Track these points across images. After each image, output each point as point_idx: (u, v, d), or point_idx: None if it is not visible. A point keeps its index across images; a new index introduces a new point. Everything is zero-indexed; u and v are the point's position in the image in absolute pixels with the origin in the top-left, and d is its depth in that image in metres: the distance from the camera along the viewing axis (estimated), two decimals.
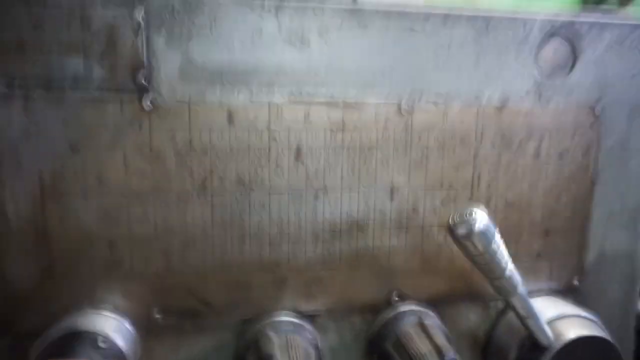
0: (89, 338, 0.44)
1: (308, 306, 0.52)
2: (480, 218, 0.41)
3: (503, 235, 0.46)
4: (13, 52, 0.43)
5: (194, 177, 0.47)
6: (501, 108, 0.53)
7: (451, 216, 0.42)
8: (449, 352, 0.46)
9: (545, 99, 0.54)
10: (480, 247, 0.41)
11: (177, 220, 0.48)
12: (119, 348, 0.46)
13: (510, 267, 0.44)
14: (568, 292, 0.59)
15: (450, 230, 0.41)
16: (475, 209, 0.41)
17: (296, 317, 0.51)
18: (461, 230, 0.41)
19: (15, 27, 0.42)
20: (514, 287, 0.45)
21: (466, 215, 0.41)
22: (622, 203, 0.59)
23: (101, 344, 0.44)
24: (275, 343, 0.47)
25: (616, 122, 0.57)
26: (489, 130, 0.53)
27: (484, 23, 0.51)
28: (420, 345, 0.48)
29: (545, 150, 0.55)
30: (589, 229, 0.58)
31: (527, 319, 0.48)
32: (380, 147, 0.51)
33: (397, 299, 0.53)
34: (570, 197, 0.57)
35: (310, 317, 0.52)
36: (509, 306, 0.47)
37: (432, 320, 0.53)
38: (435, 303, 0.55)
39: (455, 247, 0.54)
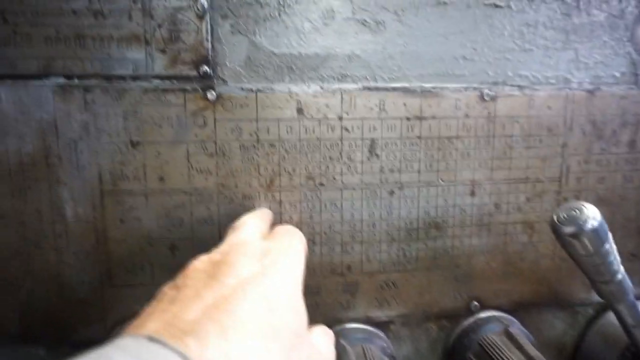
0: None
1: (381, 313, 0.48)
2: (593, 214, 0.36)
3: None
4: (72, 42, 0.40)
5: (260, 173, 0.44)
6: (593, 92, 0.48)
7: (555, 212, 0.37)
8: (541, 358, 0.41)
9: None
10: (591, 247, 0.36)
11: None
12: None
13: (622, 270, 0.39)
14: None
15: (555, 227, 0.37)
16: (585, 204, 0.36)
17: (369, 324, 0.47)
18: (569, 228, 0.36)
19: (75, 16, 0.40)
20: (625, 293, 0.40)
21: (575, 211, 0.36)
22: None
23: None
24: (351, 353, 0.43)
25: None
26: (579, 117, 0.48)
27: None
28: (510, 355, 0.43)
29: None
30: None
31: (635, 328, 0.42)
32: (461, 138, 0.46)
33: (477, 304, 0.49)
34: None
35: (384, 325, 0.48)
36: (614, 313, 0.42)
37: (517, 328, 0.48)
38: (518, 309, 0.50)
39: (540, 248, 0.49)
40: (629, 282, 0.40)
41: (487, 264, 0.49)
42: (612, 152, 0.49)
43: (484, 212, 0.48)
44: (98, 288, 0.44)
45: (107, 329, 0.44)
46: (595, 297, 0.51)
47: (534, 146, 0.48)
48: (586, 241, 0.36)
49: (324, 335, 0.33)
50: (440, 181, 0.46)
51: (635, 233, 0.51)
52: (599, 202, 0.50)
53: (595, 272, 0.38)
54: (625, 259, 0.52)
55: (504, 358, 0.43)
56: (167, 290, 0.29)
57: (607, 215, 0.50)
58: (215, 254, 0.32)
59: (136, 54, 0.41)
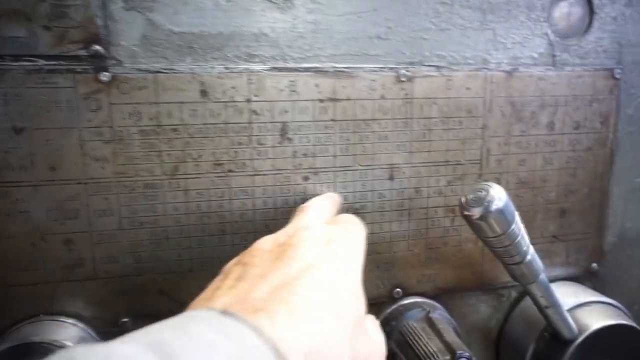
0: (43, 350, 0.38)
1: None
2: (498, 195, 0.35)
3: None
4: None
5: (163, 160, 0.41)
6: (511, 73, 0.47)
7: (464, 194, 0.36)
8: (462, 349, 0.41)
9: (560, 62, 0.48)
10: (498, 228, 0.35)
11: (146, 212, 0.41)
12: None
13: (531, 251, 0.38)
14: (586, 278, 0.54)
15: (462, 210, 0.36)
16: (491, 185, 0.35)
17: None
18: (475, 211, 0.35)
19: None
20: (535, 273, 0.39)
21: (481, 193, 0.35)
22: None
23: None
24: None
25: (638, 87, 0.51)
26: (498, 99, 0.47)
27: None
28: (429, 343, 0.42)
29: (561, 121, 0.49)
30: (608, 208, 0.53)
31: (547, 309, 0.42)
32: (377, 120, 0.44)
33: (399, 291, 0.48)
34: (587, 173, 0.51)
35: None
36: (528, 294, 0.42)
37: (439, 313, 0.47)
38: (442, 295, 0.49)
39: (463, 232, 0.49)
40: (539, 263, 0.40)
41: (408, 250, 0.48)
42: (532, 134, 0.49)
43: (404, 196, 0.47)
44: None
45: (4, 332, 0.40)
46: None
47: (453, 128, 0.47)
48: (493, 222, 0.35)
49: (375, 324, 0.33)
50: (358, 165, 0.45)
51: (557, 215, 0.51)
52: (520, 185, 0.49)
53: (505, 254, 0.38)
54: (547, 240, 0.52)
55: (423, 346, 0.42)
56: (233, 266, 0.30)
57: (529, 198, 0.50)
58: (280, 236, 0.33)
59: (16, 31, 0.37)
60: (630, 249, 0.55)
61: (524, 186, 0.50)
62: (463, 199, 0.36)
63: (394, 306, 0.48)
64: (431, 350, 0.41)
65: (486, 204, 0.35)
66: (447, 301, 0.50)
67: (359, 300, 0.30)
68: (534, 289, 0.41)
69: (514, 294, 0.52)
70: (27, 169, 0.39)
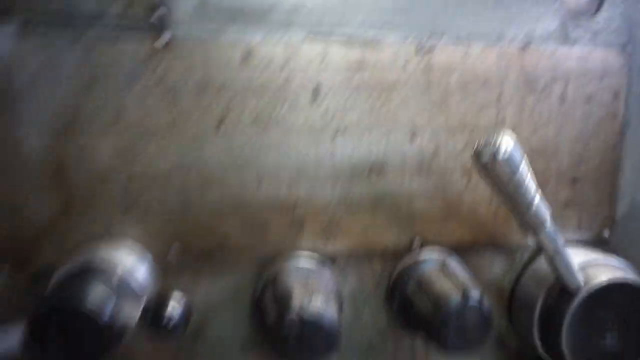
0: (105, 273, 0.44)
1: (327, 249, 0.51)
2: (506, 144, 0.39)
3: None
4: None
5: (210, 115, 0.47)
6: (524, 48, 0.51)
7: (477, 142, 0.40)
8: (473, 288, 0.45)
9: (571, 39, 0.52)
10: (504, 176, 0.39)
11: (194, 159, 0.48)
12: (136, 285, 0.46)
13: (538, 200, 0.42)
14: (597, 244, 0.56)
15: (475, 157, 0.40)
16: (502, 134, 0.40)
17: (315, 259, 0.51)
18: (484, 157, 0.39)
19: None
20: (542, 222, 0.43)
21: (492, 139, 0.39)
22: None
23: (116, 280, 0.44)
24: (294, 279, 0.46)
25: None
26: (512, 72, 0.51)
27: None
28: (443, 284, 0.46)
29: (572, 94, 0.53)
30: (619, 178, 0.56)
31: (555, 258, 0.46)
32: (400, 88, 0.50)
33: (419, 243, 0.52)
34: (599, 144, 0.54)
35: (330, 261, 0.51)
36: (536, 243, 0.45)
37: (455, 261, 0.51)
38: (458, 251, 0.53)
39: (478, 193, 0.53)
40: (546, 211, 0.43)
41: (427, 206, 0.52)
42: (545, 105, 0.53)
43: (424, 157, 0.51)
44: (57, 218, 0.47)
45: (64, 258, 0.47)
46: (529, 240, 0.55)
47: (470, 96, 0.51)
48: (501, 168, 0.39)
49: None
50: (382, 126, 0.50)
51: (568, 183, 0.55)
52: (532, 153, 0.53)
53: (513, 202, 0.41)
54: (559, 207, 0.55)
55: (437, 287, 0.46)
56: None
57: (541, 166, 0.54)
58: None
59: (90, 1, 0.44)
60: None
61: (537, 154, 0.53)
62: (476, 145, 0.40)
63: (413, 256, 0.52)
64: (444, 290, 0.46)
65: (496, 148, 0.39)
66: (464, 256, 0.53)
67: None
68: (543, 235, 0.44)
69: (525, 255, 0.55)
70: (97, 118, 0.46)
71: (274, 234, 0.50)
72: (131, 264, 0.47)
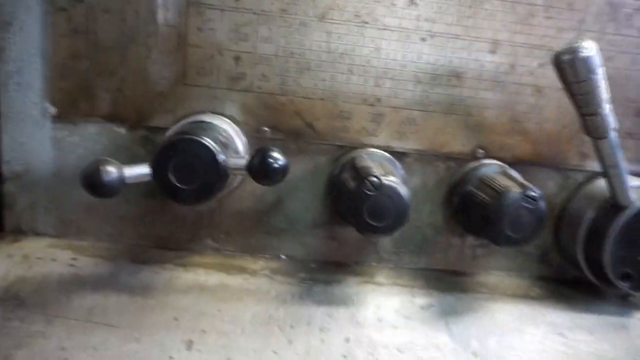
0: (212, 128, 0.51)
1: (400, 144, 0.57)
2: (588, 47, 0.43)
3: None
4: None
5: (316, 5, 0.53)
6: None
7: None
8: (533, 187, 0.49)
9: None
10: (581, 74, 0.44)
11: (297, 44, 0.53)
12: (237, 148, 0.53)
13: (608, 107, 0.46)
14: None
15: (555, 56, 0.44)
16: (585, 40, 0.44)
17: (389, 152, 0.57)
18: (566, 55, 0.43)
19: None
20: (607, 128, 0.47)
21: (575, 43, 0.43)
22: None
23: (220, 135, 0.51)
24: (370, 161, 0.52)
25: None
26: None
27: None
28: (505, 181, 0.52)
29: None
30: None
31: (611, 169, 0.50)
32: (489, 1, 0.53)
33: (482, 151, 0.57)
34: None
35: (401, 156, 0.57)
36: (596, 152, 0.49)
37: (514, 172, 0.56)
38: (517, 164, 0.58)
39: (545, 112, 0.57)
40: (611, 120, 0.47)
41: (496, 118, 0.57)
42: (624, 34, 0.56)
43: (500, 70, 0.55)
44: (174, 85, 0.54)
45: (175, 119, 0.54)
46: (587, 165, 0.59)
47: (553, 17, 0.54)
48: (578, 67, 0.44)
49: None
50: (467, 36, 0.54)
51: (634, 114, 0.58)
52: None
53: (583, 102, 0.46)
54: (621, 137, 0.59)
55: (499, 184, 0.52)
56: None
57: (611, 94, 0.57)
58: None
59: None
60: None
61: (609, 82, 0.56)
62: (558, 49, 0.44)
63: (476, 163, 0.57)
64: (506, 185, 0.51)
65: (576, 49, 0.43)
66: (522, 171, 0.58)
67: None
68: (604, 144, 0.48)
69: (580, 178, 0.59)
70: None
71: (356, 123, 0.56)
72: (232, 131, 0.54)
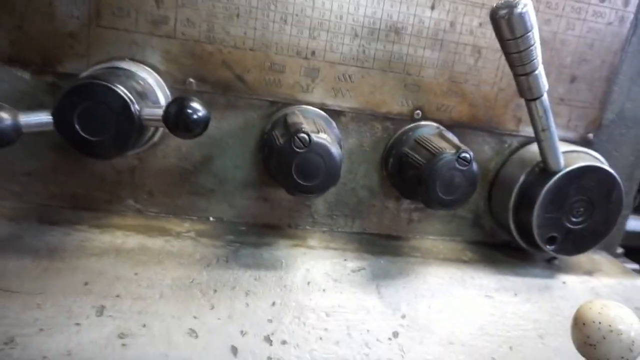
0: (128, 75, 0.46)
1: (335, 102, 0.54)
2: (524, 2, 0.42)
3: None
4: None
5: None
6: None
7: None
8: (466, 149, 0.48)
9: None
10: (517, 30, 0.42)
11: None
12: (156, 98, 0.49)
13: (541, 68, 0.46)
14: (581, 145, 0.61)
15: (493, 11, 0.43)
16: None
17: (323, 110, 0.54)
18: (503, 9, 0.42)
19: None
20: (541, 89, 0.46)
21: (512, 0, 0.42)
22: None
23: (137, 83, 0.46)
24: (302, 117, 0.49)
25: None
26: None
27: None
28: (439, 143, 0.50)
29: None
30: (614, 84, 0.59)
31: (543, 132, 0.50)
32: None
33: (419, 112, 0.56)
34: (603, 46, 0.58)
35: (336, 114, 0.54)
36: (529, 113, 0.49)
37: (450, 135, 0.55)
38: (454, 127, 0.57)
39: (483, 74, 0.56)
40: (544, 82, 0.47)
41: (434, 78, 0.55)
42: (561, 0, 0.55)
43: (440, 27, 0.54)
44: (86, 25, 0.48)
45: (89, 65, 0.49)
46: (522, 130, 0.59)
47: None
48: (514, 23, 0.42)
49: None
50: None
51: (567, 79, 0.58)
52: (541, 43, 0.56)
53: (517, 61, 0.45)
54: (554, 102, 0.59)
55: (433, 145, 0.50)
56: None
57: (546, 57, 0.57)
58: None
59: None
60: (626, 128, 0.62)
61: (544, 45, 0.56)
62: (495, 3, 0.43)
63: (413, 124, 0.56)
64: (440, 146, 0.50)
65: (512, 4, 0.42)
66: (458, 134, 0.57)
67: None
68: (537, 105, 0.48)
69: (515, 143, 0.60)
70: None
71: (289, 77, 0.52)
72: (152, 81, 0.49)
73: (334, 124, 0.54)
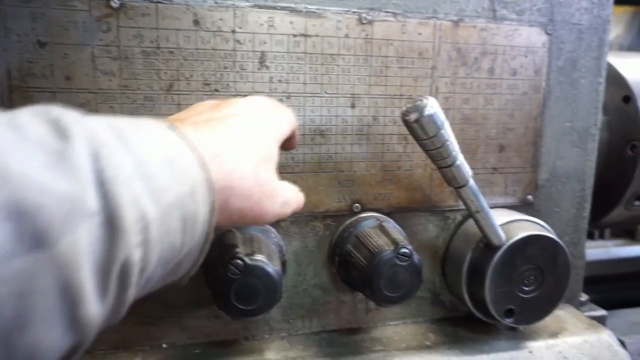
0: None
1: None
2: (431, 104, 0.43)
3: (461, 149, 0.49)
4: None
5: (161, 77, 0.49)
6: (457, 23, 0.56)
7: (406, 105, 0.44)
8: (405, 243, 0.49)
9: (500, 17, 0.57)
10: (429, 131, 0.44)
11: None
12: None
13: (460, 158, 0.47)
14: (523, 208, 0.62)
15: (403, 115, 0.44)
16: (426, 97, 0.44)
17: None
18: (411, 114, 0.43)
19: None
20: (464, 177, 0.47)
21: (418, 102, 0.43)
22: (573, 122, 0.62)
23: None
24: (239, 237, 0.49)
25: (567, 42, 0.60)
26: (445, 45, 0.56)
27: None
28: (378, 240, 0.51)
29: (500, 67, 0.58)
30: (541, 147, 0.61)
31: (477, 213, 0.50)
32: (342, 56, 0.53)
33: (358, 205, 0.56)
34: (523, 114, 0.60)
35: (274, 223, 0.54)
36: (460, 199, 0.50)
37: (392, 224, 0.56)
38: (395, 213, 0.58)
39: (414, 158, 0.57)
40: (467, 169, 0.48)
41: (367, 170, 0.56)
42: (475, 77, 0.57)
43: (364, 123, 0.55)
44: None
45: None
46: (462, 204, 0.60)
47: (406, 67, 0.55)
48: (425, 125, 0.44)
49: (291, 185, 0.44)
50: (324, 93, 0.53)
51: (496, 149, 0.60)
52: (464, 120, 0.58)
53: (437, 156, 0.46)
54: (488, 173, 0.60)
55: (373, 242, 0.51)
56: (176, 115, 0.42)
57: (472, 133, 0.59)
58: (215, 101, 0.43)
59: None
60: (561, 184, 0.63)
61: (468, 122, 0.58)
62: (404, 107, 0.44)
63: (353, 218, 0.56)
64: (379, 244, 0.50)
65: (420, 109, 0.43)
66: (400, 220, 0.58)
67: (270, 148, 0.39)
68: (466, 192, 0.49)
69: (459, 217, 0.60)
70: (48, 77, 0.47)
71: None
72: None
73: (272, 232, 0.54)
